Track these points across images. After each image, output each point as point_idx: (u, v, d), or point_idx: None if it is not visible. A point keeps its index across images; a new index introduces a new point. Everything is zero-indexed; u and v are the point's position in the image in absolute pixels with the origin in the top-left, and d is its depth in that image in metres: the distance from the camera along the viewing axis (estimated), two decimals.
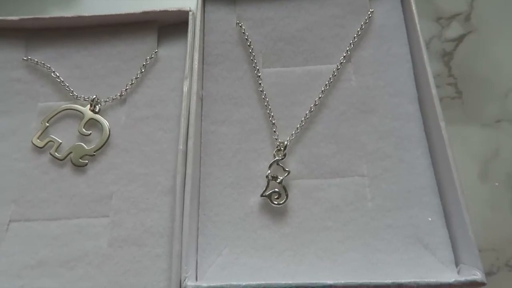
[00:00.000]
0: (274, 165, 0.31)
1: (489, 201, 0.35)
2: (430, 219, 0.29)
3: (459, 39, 0.41)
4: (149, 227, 0.30)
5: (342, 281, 0.26)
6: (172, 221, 0.30)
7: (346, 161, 0.32)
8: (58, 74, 0.35)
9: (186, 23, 0.36)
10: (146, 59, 0.35)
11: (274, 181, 0.31)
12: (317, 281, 0.26)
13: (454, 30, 0.42)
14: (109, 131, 0.33)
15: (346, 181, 0.31)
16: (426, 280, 0.26)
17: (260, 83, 0.34)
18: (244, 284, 0.26)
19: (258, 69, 0.35)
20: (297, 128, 0.33)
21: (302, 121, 0.33)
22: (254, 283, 0.26)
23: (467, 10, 0.42)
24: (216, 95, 0.34)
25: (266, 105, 0.34)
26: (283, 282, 0.26)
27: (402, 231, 0.29)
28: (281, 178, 0.31)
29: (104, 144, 0.33)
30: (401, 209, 0.30)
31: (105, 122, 0.33)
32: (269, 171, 0.31)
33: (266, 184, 0.31)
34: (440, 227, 0.29)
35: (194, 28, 0.35)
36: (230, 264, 0.29)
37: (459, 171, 0.29)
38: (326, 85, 0.34)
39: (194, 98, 0.32)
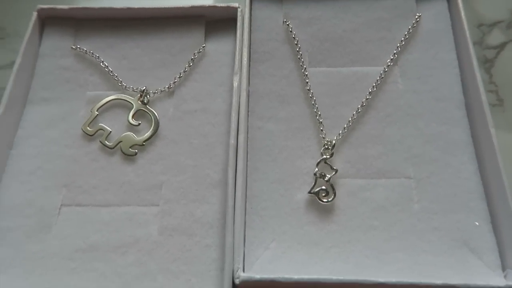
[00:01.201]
0: (322, 163, 0.32)
1: None
2: (477, 223, 0.30)
3: (501, 46, 0.42)
4: (198, 218, 0.30)
5: (394, 280, 0.26)
6: (222, 213, 0.30)
7: (392, 163, 0.32)
8: (107, 64, 0.36)
9: (233, 19, 0.36)
10: (194, 53, 0.36)
11: (321, 179, 0.31)
12: (368, 278, 0.26)
13: (495, 37, 0.42)
14: (159, 122, 0.34)
15: (392, 182, 0.31)
16: (475, 283, 0.26)
17: (307, 82, 0.35)
18: (296, 277, 0.26)
19: (305, 68, 0.35)
20: (344, 128, 0.33)
21: (349, 121, 0.33)
22: (306, 276, 0.26)
23: (509, 18, 0.42)
24: (262, 91, 0.35)
25: (313, 104, 0.34)
26: (335, 277, 0.26)
27: (448, 234, 0.30)
28: (329, 176, 0.31)
29: (153, 135, 0.33)
30: (447, 213, 0.30)
31: (155, 113, 0.34)
32: (316, 169, 0.31)
33: (313, 181, 0.31)
34: (487, 232, 0.29)
35: (243, 25, 0.35)
36: (277, 258, 0.29)
37: (508, 177, 0.29)
38: (373, 87, 0.34)
39: (244, 94, 0.33)
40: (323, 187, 0.31)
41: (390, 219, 0.30)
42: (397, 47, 0.36)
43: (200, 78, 0.35)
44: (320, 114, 0.33)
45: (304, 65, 0.35)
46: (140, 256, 0.29)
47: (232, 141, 0.31)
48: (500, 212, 0.29)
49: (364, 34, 0.36)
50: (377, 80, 0.34)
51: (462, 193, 0.31)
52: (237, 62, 0.34)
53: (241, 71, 0.33)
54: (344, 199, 0.31)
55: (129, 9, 0.37)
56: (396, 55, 0.35)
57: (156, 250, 0.30)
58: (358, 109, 0.34)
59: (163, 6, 0.37)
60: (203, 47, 0.36)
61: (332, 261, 0.29)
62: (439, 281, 0.26)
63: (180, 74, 0.35)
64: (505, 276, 0.28)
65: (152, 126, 0.33)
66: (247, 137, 0.33)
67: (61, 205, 0.31)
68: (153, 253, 0.29)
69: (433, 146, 0.32)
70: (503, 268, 0.28)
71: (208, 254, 0.29)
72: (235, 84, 0.33)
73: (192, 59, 0.36)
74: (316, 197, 0.31)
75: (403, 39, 0.36)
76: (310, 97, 0.34)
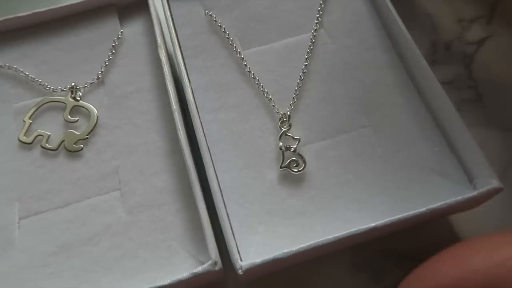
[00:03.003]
0: (283, 137, 0.32)
1: (510, 205, 0.34)
2: (436, 148, 0.32)
3: (480, 42, 0.40)
4: (162, 188, 0.31)
5: (382, 221, 0.27)
6: (184, 177, 0.31)
7: (346, 117, 0.33)
8: (27, 73, 0.34)
9: (144, 1, 0.36)
10: (113, 41, 0.36)
11: (288, 151, 0.32)
12: (360, 227, 0.27)
13: (475, 32, 0.41)
14: (96, 113, 0.33)
15: (352, 135, 0.33)
16: (453, 200, 0.28)
17: (245, 65, 0.35)
18: (295, 248, 0.27)
19: (239, 52, 0.35)
20: (293, 97, 0.34)
21: (295, 90, 0.34)
22: (305, 245, 0.27)
23: (489, 13, 0.41)
24: (205, 85, 0.35)
25: (257, 84, 0.34)
26: (331, 236, 0.27)
27: (415, 166, 0.31)
28: (294, 146, 0.32)
29: (94, 126, 0.33)
30: (408, 147, 0.32)
31: (90, 106, 0.34)
32: (281, 143, 0.32)
33: (281, 156, 0.31)
34: (447, 154, 0.32)
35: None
36: (269, 238, 0.29)
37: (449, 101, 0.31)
38: (307, 53, 0.35)
39: (188, 91, 0.32)
40: (293, 158, 0.31)
41: (360, 169, 0.32)
42: (318, 11, 0.37)
43: (126, 62, 0.36)
44: (266, 92, 0.34)
45: (237, 49, 0.35)
46: (115, 240, 0.29)
47: (174, 106, 0.31)
48: (453, 133, 0.31)
49: (284, 6, 0.37)
50: (309, 46, 0.35)
51: (415, 126, 0.33)
52: (157, 35, 0.34)
53: (164, 42, 0.34)
54: (314, 163, 0.32)
55: (34, 13, 0.35)
56: (319, 19, 0.37)
57: (130, 229, 0.29)
58: (300, 77, 0.34)
59: (70, 3, 0.36)
60: (121, 32, 0.36)
61: (321, 223, 0.30)
62: (423, 209, 0.27)
63: (105, 63, 0.35)
64: (474, 187, 0.30)
65: (91, 118, 0.33)
66: (204, 132, 0.33)
67: (19, 218, 0.30)
68: (127, 232, 0.29)
69: (377, 92, 0.34)
70: (470, 181, 0.31)
71: (181, 217, 0.30)
72: (162, 57, 0.33)
73: (113, 46, 0.36)
74: (289, 170, 0.31)
75: (321, 2, 0.37)
76: (252, 78, 0.34)
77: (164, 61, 0.33)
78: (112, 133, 0.33)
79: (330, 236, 0.27)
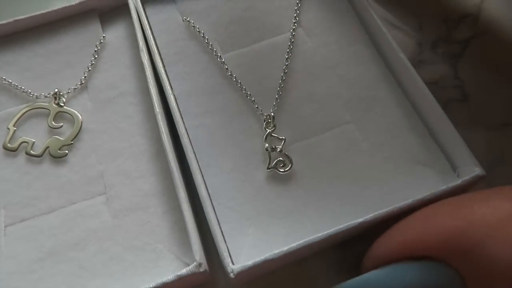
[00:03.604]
0: (269, 138, 0.32)
1: None
2: (419, 139, 0.32)
3: (467, 41, 0.40)
4: (148, 191, 0.31)
5: (371, 215, 0.28)
6: (170, 178, 0.30)
7: (330, 114, 0.34)
8: (10, 81, 0.34)
9: (125, 4, 0.37)
10: (96, 46, 0.36)
11: (274, 152, 0.32)
12: (350, 223, 0.27)
13: (462, 32, 0.40)
14: (81, 118, 0.33)
15: (336, 131, 0.33)
16: (439, 189, 0.28)
17: (226, 68, 0.35)
18: (286, 248, 0.27)
19: (219, 56, 0.35)
20: (276, 98, 0.34)
21: (278, 90, 0.34)
22: (295, 244, 0.27)
23: (476, 12, 0.40)
24: (187, 91, 0.35)
25: (239, 87, 0.34)
26: (321, 234, 0.27)
27: (400, 158, 0.32)
28: (280, 146, 0.32)
29: (79, 131, 0.33)
30: (391, 140, 0.32)
31: (74, 111, 0.34)
32: (266, 144, 0.32)
33: (268, 157, 0.32)
34: (430, 145, 0.32)
35: (135, 1, 0.36)
36: (260, 240, 0.30)
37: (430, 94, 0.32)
38: (287, 52, 0.36)
39: (171, 98, 0.33)
40: (279, 159, 0.32)
41: (346, 165, 0.32)
42: (295, 10, 0.37)
43: (109, 66, 0.35)
44: (249, 94, 0.34)
45: (217, 53, 0.36)
46: (102, 244, 0.29)
47: (158, 109, 0.31)
48: (435, 124, 0.32)
49: (261, 8, 0.38)
50: (288, 45, 0.36)
51: (398, 119, 0.33)
52: (139, 39, 0.34)
53: (146, 45, 0.34)
54: (301, 162, 0.32)
55: (16, 21, 0.35)
56: (297, 18, 0.37)
57: (116, 233, 0.29)
58: (282, 77, 0.35)
59: (52, 9, 0.36)
60: (103, 37, 0.36)
61: (312, 221, 0.30)
62: (409, 200, 0.28)
63: (88, 68, 0.35)
64: (457, 175, 0.31)
65: (75, 123, 0.33)
66: (189, 138, 0.33)
67: (5, 226, 0.30)
68: (114, 236, 0.29)
69: (358, 87, 0.34)
70: (454, 169, 0.31)
71: (167, 219, 0.30)
72: (144, 61, 0.33)
73: (95, 51, 0.36)
74: (276, 170, 0.31)
75: (298, 1, 0.37)
76: (235, 81, 0.35)
77: (146, 64, 0.33)
78: (97, 138, 0.33)
79: (320, 234, 0.27)
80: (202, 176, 0.31)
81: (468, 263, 0.24)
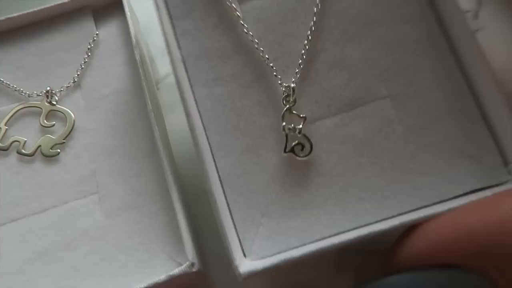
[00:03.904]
0: (287, 114, 0.28)
1: None
2: (468, 125, 0.27)
3: None
4: (140, 190, 0.30)
5: (396, 222, 0.24)
6: (163, 177, 0.29)
7: (362, 86, 0.28)
8: (2, 79, 0.33)
9: (119, 1, 0.34)
10: (89, 43, 0.34)
11: (292, 133, 0.28)
12: (371, 230, 0.24)
13: None
14: (73, 117, 0.32)
15: (368, 108, 0.28)
16: (478, 186, 0.24)
17: (242, 24, 0.29)
18: (298, 254, 0.24)
19: (235, 8, 0.30)
20: (300, 63, 0.29)
21: (302, 54, 0.29)
22: (307, 250, 0.24)
23: (476, 7, 0.37)
24: (196, 52, 0.30)
25: (256, 48, 0.29)
26: (337, 241, 0.24)
27: (441, 146, 0.27)
28: (300, 127, 0.28)
29: (71, 130, 0.32)
30: (433, 123, 0.27)
31: (66, 110, 0.33)
32: (284, 123, 0.28)
33: (284, 138, 0.28)
34: (480, 131, 0.27)
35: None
36: (273, 231, 0.27)
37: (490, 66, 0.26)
38: (316, 5, 0.29)
39: (179, 64, 0.29)
40: (298, 141, 0.28)
41: (376, 151, 0.28)
42: None
43: (102, 64, 0.34)
44: (268, 58, 0.29)
45: (232, 4, 0.30)
46: (94, 244, 0.29)
47: (151, 107, 0.29)
48: (490, 106, 0.26)
49: None
50: None
51: (445, 95, 0.28)
52: (132, 36, 0.32)
53: (139, 43, 0.32)
54: (323, 144, 0.28)
55: (8, 19, 0.34)
56: None
57: (108, 233, 0.29)
58: (308, 36, 0.29)
59: (44, 7, 0.34)
60: (97, 34, 0.34)
61: (329, 215, 0.27)
62: (447, 200, 0.24)
63: (81, 66, 0.34)
64: (509, 172, 0.26)
65: (67, 122, 0.32)
66: (198, 109, 0.29)
67: None
68: (106, 236, 0.29)
69: (401, 51, 0.28)
70: (506, 163, 0.26)
71: (160, 218, 0.29)
72: (137, 57, 0.31)
73: (88, 48, 0.34)
74: (293, 155, 0.28)
75: None
76: (251, 40, 0.29)
77: (140, 61, 0.31)
78: (90, 136, 0.32)
79: (336, 241, 0.24)
80: (213, 155, 0.28)
81: (502, 272, 0.22)
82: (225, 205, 0.27)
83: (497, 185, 0.26)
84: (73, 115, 0.32)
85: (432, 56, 0.28)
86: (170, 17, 0.30)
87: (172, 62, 0.28)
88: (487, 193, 0.25)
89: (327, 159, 0.28)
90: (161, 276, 0.25)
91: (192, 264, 0.26)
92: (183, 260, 0.27)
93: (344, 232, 0.26)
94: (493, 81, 0.25)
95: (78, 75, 0.33)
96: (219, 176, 0.28)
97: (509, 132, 0.25)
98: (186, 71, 0.29)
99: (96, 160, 0.31)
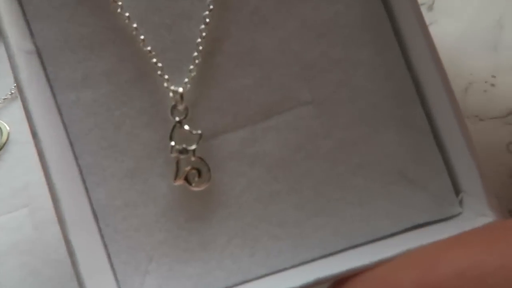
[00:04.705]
0: (177, 130, 0.21)
1: None
2: (413, 140, 0.21)
3: None
4: None
5: (330, 272, 0.18)
6: None
7: (279, 88, 0.21)
8: None
9: None
10: None
11: (184, 154, 0.21)
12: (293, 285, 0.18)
13: None
14: (8, 129, 0.33)
15: (286, 117, 0.21)
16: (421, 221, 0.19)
17: (118, 3, 0.21)
18: None
19: None
20: (194, 57, 0.21)
21: (198, 43, 0.21)
22: None
23: (430, 0, 0.36)
24: (56, 40, 0.22)
25: (135, 35, 0.21)
26: None
27: (378, 169, 0.21)
28: (193, 148, 0.21)
29: (5, 143, 0.33)
30: (370, 137, 0.21)
31: (2, 122, 0.33)
32: (172, 143, 0.21)
33: (174, 164, 0.21)
34: (428, 148, 0.21)
35: None
36: (164, 280, 0.21)
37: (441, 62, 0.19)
38: None
39: (20, 59, 0.20)
40: (191, 167, 0.21)
41: (295, 174, 0.21)
42: None
43: None
44: (150, 50, 0.21)
45: None
46: (22, 258, 0.29)
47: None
48: (440, 115, 0.20)
49: None
50: None
51: (385, 101, 0.21)
52: None
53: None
54: (227, 166, 0.22)
55: None
56: None
57: (36, 246, 0.30)
58: (205, 18, 0.21)
59: None
60: None
61: (234, 259, 0.21)
62: (371, 253, 0.18)
63: None
64: (460, 202, 0.20)
65: (2, 135, 0.33)
66: (62, 121, 0.22)
67: None
68: (34, 250, 0.30)
69: (330, 39, 0.21)
70: (457, 192, 0.21)
71: None
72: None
73: None
74: (188, 184, 0.21)
75: None
76: (128, 24, 0.21)
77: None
78: (24, 148, 0.32)
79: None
80: (84, 182, 0.22)
81: None
82: (102, 248, 0.21)
83: (445, 219, 0.20)
84: (8, 128, 0.33)
85: (370, 48, 0.21)
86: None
87: (10, 57, 0.20)
88: (432, 231, 0.20)
89: (232, 186, 0.21)
90: None
91: None
92: None
93: (252, 280, 0.21)
94: (447, 85, 0.19)
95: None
96: (92, 210, 0.22)
97: (463, 150, 0.19)
98: (44, 68, 0.22)
99: (29, 172, 0.31)
